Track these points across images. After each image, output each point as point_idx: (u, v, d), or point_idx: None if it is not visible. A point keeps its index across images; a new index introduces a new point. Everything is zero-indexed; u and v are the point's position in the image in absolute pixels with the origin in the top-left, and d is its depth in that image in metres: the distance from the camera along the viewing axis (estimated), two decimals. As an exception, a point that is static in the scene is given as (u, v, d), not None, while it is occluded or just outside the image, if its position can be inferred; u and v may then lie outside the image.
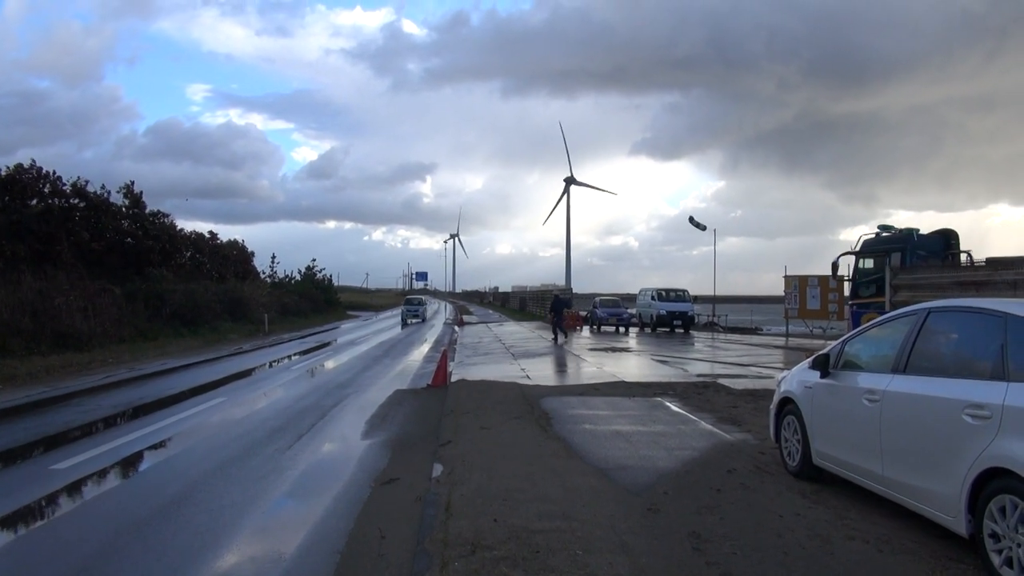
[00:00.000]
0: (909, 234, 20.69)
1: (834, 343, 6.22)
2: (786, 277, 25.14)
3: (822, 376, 5.91)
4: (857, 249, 21.78)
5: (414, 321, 45.09)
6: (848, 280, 21.97)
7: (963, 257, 18.79)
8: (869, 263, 21.43)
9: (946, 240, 20.46)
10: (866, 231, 22.08)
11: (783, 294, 25.52)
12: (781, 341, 25.97)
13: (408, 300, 50.84)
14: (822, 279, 23.53)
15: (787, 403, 6.55)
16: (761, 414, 8.77)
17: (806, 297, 24.48)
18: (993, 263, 16.25)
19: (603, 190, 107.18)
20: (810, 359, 6.32)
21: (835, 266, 22.43)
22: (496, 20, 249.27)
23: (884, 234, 21.40)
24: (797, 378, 6.48)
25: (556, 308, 26.68)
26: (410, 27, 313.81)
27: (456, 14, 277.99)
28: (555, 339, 25.29)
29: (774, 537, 4.73)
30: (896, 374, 4.97)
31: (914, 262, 19.40)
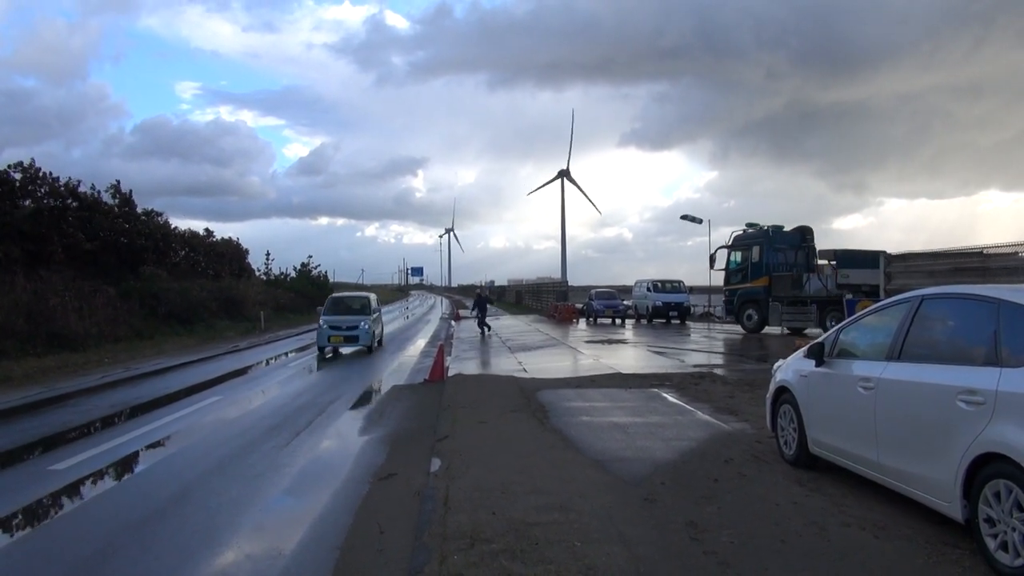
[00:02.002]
0: (767, 231, 23.88)
1: (829, 331, 6.24)
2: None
3: (817, 365, 5.94)
4: (729, 243, 24.94)
5: (348, 350, 20.38)
6: (722, 270, 25.43)
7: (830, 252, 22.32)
8: (737, 255, 24.52)
9: (802, 235, 23.87)
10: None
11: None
12: (777, 331, 26.00)
13: (335, 301, 21.66)
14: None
15: (783, 392, 6.58)
16: (758, 403, 8.81)
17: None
18: (824, 254, 21.64)
19: (591, 202, 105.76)
20: (805, 348, 6.35)
21: (712, 258, 25.94)
22: (480, 12, 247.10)
23: (750, 230, 24.42)
24: (793, 367, 6.50)
25: (480, 304, 29.29)
26: (393, 19, 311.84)
27: (439, 6, 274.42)
28: (481, 333, 26.25)
29: (771, 525, 4.76)
30: (890, 361, 4.99)
31: (771, 254, 23.21)
